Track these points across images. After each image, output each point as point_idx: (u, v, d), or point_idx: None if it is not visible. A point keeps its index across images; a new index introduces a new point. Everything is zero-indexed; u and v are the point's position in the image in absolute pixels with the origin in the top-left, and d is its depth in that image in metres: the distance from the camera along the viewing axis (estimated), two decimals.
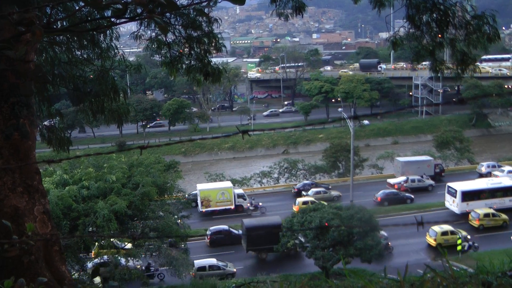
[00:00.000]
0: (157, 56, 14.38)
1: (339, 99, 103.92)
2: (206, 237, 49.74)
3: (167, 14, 11.99)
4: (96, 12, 9.26)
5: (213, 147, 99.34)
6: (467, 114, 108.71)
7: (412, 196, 60.78)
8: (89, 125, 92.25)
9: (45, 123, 14.32)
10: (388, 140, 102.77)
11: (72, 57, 12.77)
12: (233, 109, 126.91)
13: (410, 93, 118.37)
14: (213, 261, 43.21)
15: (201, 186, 62.15)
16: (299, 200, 58.12)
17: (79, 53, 13.08)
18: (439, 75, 14.45)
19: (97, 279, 39.29)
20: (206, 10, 14.41)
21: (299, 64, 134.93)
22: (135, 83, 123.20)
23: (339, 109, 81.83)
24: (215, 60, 15.01)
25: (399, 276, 4.93)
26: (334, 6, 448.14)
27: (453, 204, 54.03)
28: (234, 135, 4.36)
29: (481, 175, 67.17)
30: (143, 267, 41.03)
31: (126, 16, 3.58)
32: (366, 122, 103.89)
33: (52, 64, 12.17)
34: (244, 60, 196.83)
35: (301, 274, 39.56)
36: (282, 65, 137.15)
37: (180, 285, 36.70)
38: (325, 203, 46.72)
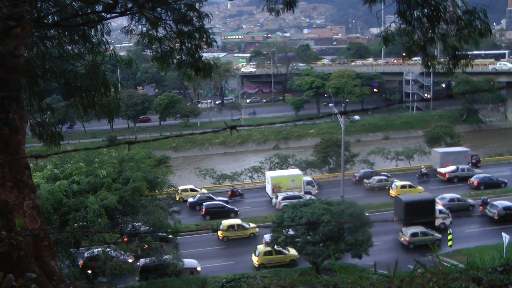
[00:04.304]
0: (148, 51, 14.31)
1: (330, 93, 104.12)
2: None
3: (158, 9, 11.94)
4: (86, 6, 9.24)
5: (204, 142, 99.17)
6: (458, 110, 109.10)
7: (506, 181, 62.27)
8: (80, 120, 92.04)
9: (36, 117, 14.24)
10: (379, 135, 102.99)
11: (63, 51, 12.67)
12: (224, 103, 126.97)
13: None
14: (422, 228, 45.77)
15: (271, 174, 64.45)
16: (397, 184, 60.02)
17: (70, 47, 12.99)
18: (430, 70, 14.44)
19: None
20: (197, 5, 14.37)
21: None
22: (126, 78, 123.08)
23: (330, 104, 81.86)
24: (206, 55, 14.99)
25: (389, 272, 4.93)
26: (325, 1, 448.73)
27: None
28: (223, 130, 4.34)
29: None
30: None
31: (117, 10, 3.56)
32: (357, 117, 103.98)
33: (43, 58, 12.09)
34: (235, 55, 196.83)
35: (292, 269, 39.65)
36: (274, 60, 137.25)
37: (171, 280, 36.65)
38: None
